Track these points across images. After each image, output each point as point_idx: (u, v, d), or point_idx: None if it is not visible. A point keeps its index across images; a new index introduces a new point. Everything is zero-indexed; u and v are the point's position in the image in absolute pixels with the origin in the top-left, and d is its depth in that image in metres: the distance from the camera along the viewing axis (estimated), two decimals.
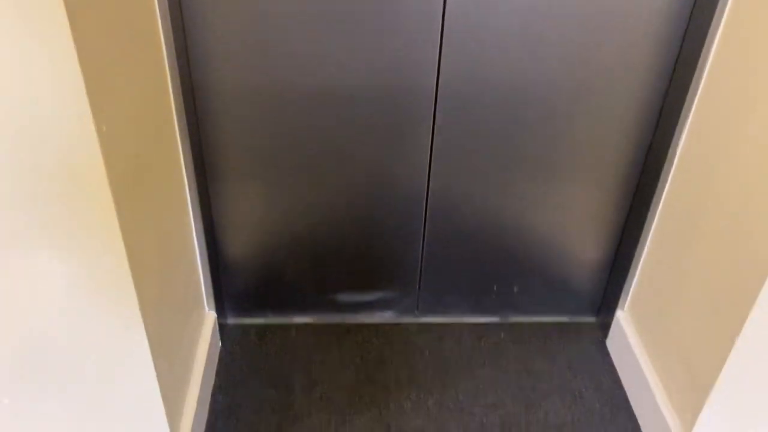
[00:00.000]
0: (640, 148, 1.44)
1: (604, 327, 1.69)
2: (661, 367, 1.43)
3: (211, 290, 1.53)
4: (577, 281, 1.68)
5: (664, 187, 1.40)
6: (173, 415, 1.24)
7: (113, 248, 0.96)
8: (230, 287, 1.64)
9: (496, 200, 1.51)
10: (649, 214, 1.45)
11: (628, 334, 1.55)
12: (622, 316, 1.60)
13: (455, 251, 1.61)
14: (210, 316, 1.56)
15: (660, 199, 1.42)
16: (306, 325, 1.69)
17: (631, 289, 1.57)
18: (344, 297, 1.69)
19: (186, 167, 1.34)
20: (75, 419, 1.18)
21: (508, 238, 1.59)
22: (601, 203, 1.53)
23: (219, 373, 1.56)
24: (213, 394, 1.50)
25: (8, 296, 0.99)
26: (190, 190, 1.37)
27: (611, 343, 1.65)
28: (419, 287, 1.68)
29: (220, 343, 1.61)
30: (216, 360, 1.57)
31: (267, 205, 1.50)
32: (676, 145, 1.35)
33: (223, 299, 1.65)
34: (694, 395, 1.28)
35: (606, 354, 1.65)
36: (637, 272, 1.54)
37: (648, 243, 1.49)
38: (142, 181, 1.07)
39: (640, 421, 1.47)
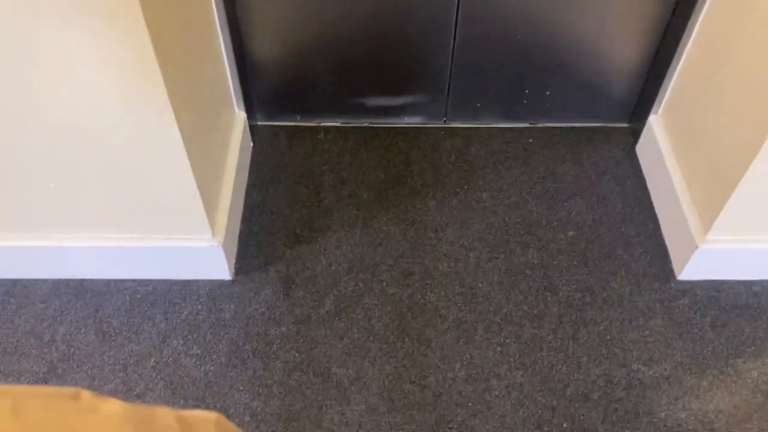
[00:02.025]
0: None
1: (636, 133, 1.66)
2: (688, 169, 1.43)
3: (240, 90, 1.54)
4: (612, 86, 1.63)
5: None
6: (210, 206, 1.31)
7: (137, 32, 0.95)
8: (259, 89, 1.64)
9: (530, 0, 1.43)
10: (693, 15, 1.36)
11: (659, 138, 1.53)
12: (655, 121, 1.57)
13: (486, 55, 1.56)
14: (240, 117, 1.58)
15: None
16: (334, 128, 1.71)
17: (667, 93, 1.52)
18: (373, 101, 1.68)
19: None
20: (120, 209, 1.26)
21: (542, 40, 1.52)
22: (642, 2, 1.44)
23: (252, 171, 1.61)
24: (247, 191, 1.57)
25: (40, 73, 1.01)
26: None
27: (641, 149, 1.64)
28: (448, 92, 1.66)
29: (251, 144, 1.66)
30: (248, 159, 1.62)
31: (294, 6, 1.44)
32: None
33: (252, 101, 1.66)
34: (716, 195, 1.29)
35: (635, 159, 1.64)
36: (675, 76, 1.48)
37: (689, 45, 1.41)
38: None
39: (661, 221, 1.51)
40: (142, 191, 1.23)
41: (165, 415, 0.33)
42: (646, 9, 1.45)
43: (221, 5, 1.36)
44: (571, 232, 1.50)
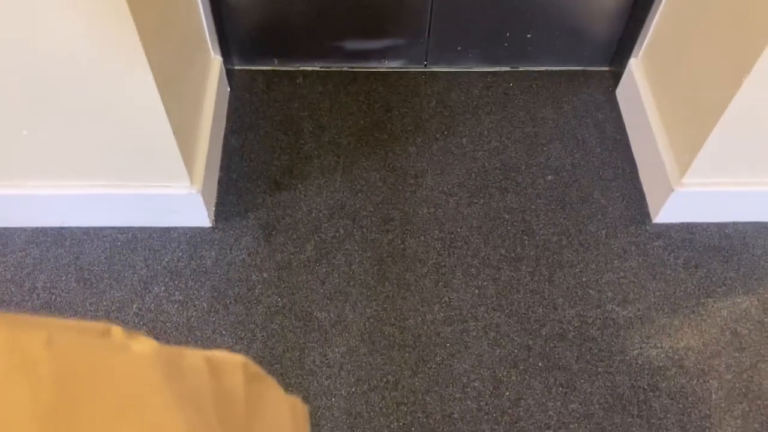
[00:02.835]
0: None
1: (616, 77, 1.66)
2: (666, 113, 1.43)
3: (215, 34, 1.50)
4: (593, 29, 1.62)
5: None
6: (188, 153, 1.30)
7: None
8: (235, 32, 1.60)
9: None
10: None
11: (639, 82, 1.53)
12: (635, 64, 1.56)
13: None
14: (216, 61, 1.55)
15: None
16: (313, 72, 1.69)
17: (647, 37, 1.51)
18: (352, 44, 1.65)
19: None
20: (96, 156, 1.25)
21: None
22: None
23: (229, 117, 1.59)
24: (225, 136, 1.56)
25: (5, 19, 0.98)
26: None
27: (621, 92, 1.64)
28: (428, 36, 1.63)
29: (228, 89, 1.63)
30: (225, 104, 1.60)
31: None
32: None
33: (229, 44, 1.62)
34: (693, 138, 1.30)
35: (614, 103, 1.65)
36: (655, 18, 1.47)
37: None
38: None
39: (638, 164, 1.52)
40: (117, 138, 1.21)
41: (194, 355, 0.33)
42: None
43: None
44: (549, 177, 1.51)
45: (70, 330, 0.28)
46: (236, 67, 1.69)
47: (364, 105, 1.63)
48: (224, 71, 1.58)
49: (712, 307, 1.34)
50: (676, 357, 1.28)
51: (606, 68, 1.71)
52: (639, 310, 1.33)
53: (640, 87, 1.52)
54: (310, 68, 1.69)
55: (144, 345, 0.29)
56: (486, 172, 1.52)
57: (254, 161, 1.52)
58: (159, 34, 1.14)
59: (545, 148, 1.56)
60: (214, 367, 0.33)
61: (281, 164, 1.52)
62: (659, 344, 1.29)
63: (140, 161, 1.27)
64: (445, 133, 1.58)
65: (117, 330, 0.30)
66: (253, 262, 1.37)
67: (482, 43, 1.65)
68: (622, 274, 1.37)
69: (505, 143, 1.57)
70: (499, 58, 1.69)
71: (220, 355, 0.35)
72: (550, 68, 1.70)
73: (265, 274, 1.36)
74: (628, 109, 1.60)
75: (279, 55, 1.67)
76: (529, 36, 1.63)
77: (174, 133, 1.21)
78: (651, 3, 1.46)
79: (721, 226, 1.45)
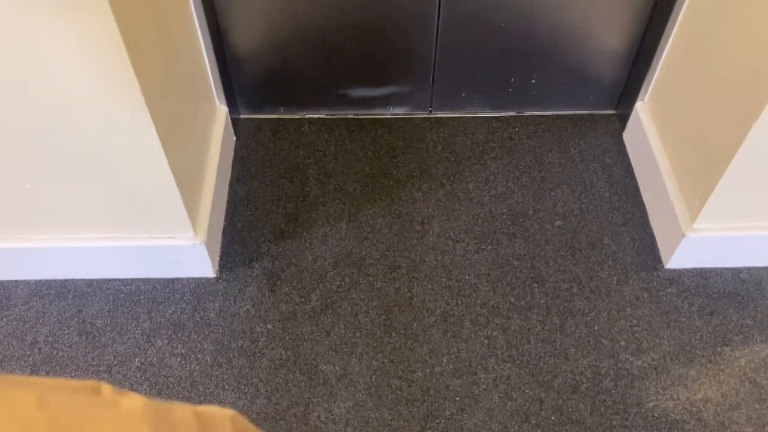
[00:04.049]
0: None
1: (623, 120, 1.65)
2: (674, 156, 1.41)
3: (220, 83, 1.51)
4: (598, 72, 1.61)
5: None
6: (192, 203, 1.29)
7: (106, 26, 0.93)
8: (241, 82, 1.61)
9: None
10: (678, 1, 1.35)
11: (646, 125, 1.52)
12: (642, 108, 1.55)
13: (470, 42, 1.54)
14: (222, 110, 1.55)
15: None
16: (319, 119, 1.69)
17: (654, 79, 1.51)
18: (357, 92, 1.66)
19: None
20: (99, 209, 1.24)
21: (527, 27, 1.50)
22: None
23: (235, 165, 1.59)
24: (230, 185, 1.55)
25: (9, 73, 0.99)
26: None
27: (628, 135, 1.63)
28: (433, 81, 1.64)
29: (234, 137, 1.63)
30: (231, 153, 1.60)
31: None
32: None
33: (234, 93, 1.63)
34: (703, 183, 1.28)
35: (622, 147, 1.63)
36: (661, 62, 1.47)
37: (674, 31, 1.39)
38: None
39: (648, 208, 1.50)
40: (120, 191, 1.21)
41: (183, 410, 0.33)
42: None
43: (201, 11, 1.33)
44: (558, 222, 1.49)
45: (61, 389, 0.30)
46: (242, 116, 1.69)
47: (370, 152, 1.62)
48: (230, 121, 1.58)
49: (730, 356, 1.30)
50: (694, 409, 1.23)
51: (612, 111, 1.70)
52: (654, 359, 1.29)
53: (648, 131, 1.51)
54: (315, 116, 1.69)
55: (133, 401, 0.31)
56: (493, 218, 1.50)
57: (259, 209, 1.51)
58: (163, 87, 1.14)
59: (553, 193, 1.54)
60: (203, 422, 0.34)
61: (286, 212, 1.51)
62: (676, 396, 1.25)
63: (144, 213, 1.26)
64: (451, 178, 1.57)
65: (107, 387, 0.31)
66: (258, 313, 1.35)
67: (486, 88, 1.65)
68: (635, 322, 1.34)
69: (511, 188, 1.55)
70: (504, 103, 1.69)
71: (210, 409, 0.35)
72: (555, 112, 1.70)
73: (269, 326, 1.33)
74: (635, 152, 1.58)
75: (285, 104, 1.68)
76: (533, 81, 1.63)
77: (177, 186, 1.20)
78: (656, 47, 1.45)
79: (735, 271, 1.41)
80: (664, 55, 1.45)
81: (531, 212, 1.51)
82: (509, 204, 1.52)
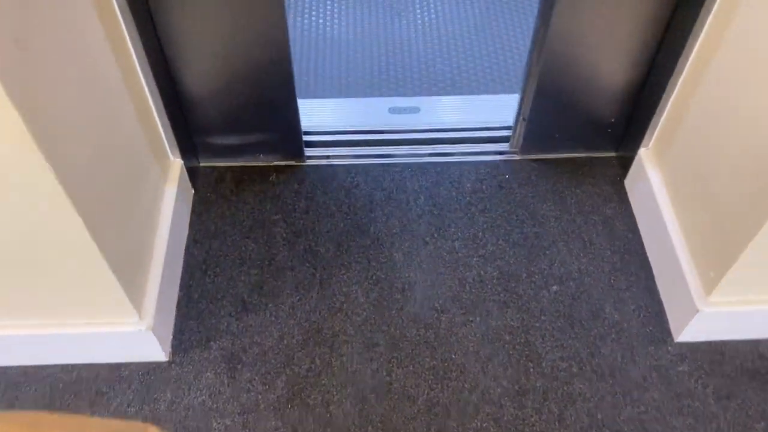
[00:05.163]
0: None
1: (624, 164, 1.49)
2: (684, 214, 1.26)
3: (172, 134, 1.34)
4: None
5: (710, 8, 1.12)
6: (135, 285, 1.13)
7: (7, 118, 0.76)
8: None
9: None
10: (690, 36, 1.18)
11: (651, 175, 1.36)
12: (645, 155, 1.39)
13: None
14: (176, 164, 1.38)
15: (705, 20, 1.14)
16: (287, 167, 1.52)
17: (659, 125, 1.35)
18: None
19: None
20: (29, 296, 1.07)
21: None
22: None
23: (193, 223, 1.42)
24: (187, 247, 1.38)
25: None
26: (124, 19, 1.11)
27: (630, 182, 1.47)
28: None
29: (192, 191, 1.46)
30: (188, 210, 1.43)
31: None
32: None
33: (193, 140, 1.46)
34: (720, 255, 1.12)
35: (623, 194, 1.47)
36: (668, 105, 1.31)
37: (684, 72, 1.23)
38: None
39: (654, 269, 1.34)
40: (52, 280, 1.04)
41: None
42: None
43: (140, 47, 1.15)
44: (554, 287, 1.33)
45: (110, 427, 0.33)
46: (201, 164, 1.52)
47: (345, 205, 1.46)
48: (185, 173, 1.41)
49: None
50: None
51: (612, 154, 1.54)
52: None
53: (653, 182, 1.35)
54: (284, 163, 1.52)
55: None
56: (482, 283, 1.34)
57: (219, 276, 1.34)
58: (91, 167, 0.97)
59: (548, 252, 1.38)
60: None
61: (249, 280, 1.34)
62: None
63: (81, 300, 1.09)
64: (435, 235, 1.41)
65: (153, 430, 0.34)
66: (214, 405, 1.18)
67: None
68: (642, 408, 1.18)
69: (502, 247, 1.39)
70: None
71: None
72: (550, 156, 1.53)
73: (227, 421, 1.17)
74: (639, 202, 1.42)
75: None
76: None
77: (114, 272, 1.03)
78: (664, 86, 1.29)
79: (754, 344, 1.26)
80: (671, 98, 1.29)
81: (524, 275, 1.35)
82: (499, 265, 1.36)
